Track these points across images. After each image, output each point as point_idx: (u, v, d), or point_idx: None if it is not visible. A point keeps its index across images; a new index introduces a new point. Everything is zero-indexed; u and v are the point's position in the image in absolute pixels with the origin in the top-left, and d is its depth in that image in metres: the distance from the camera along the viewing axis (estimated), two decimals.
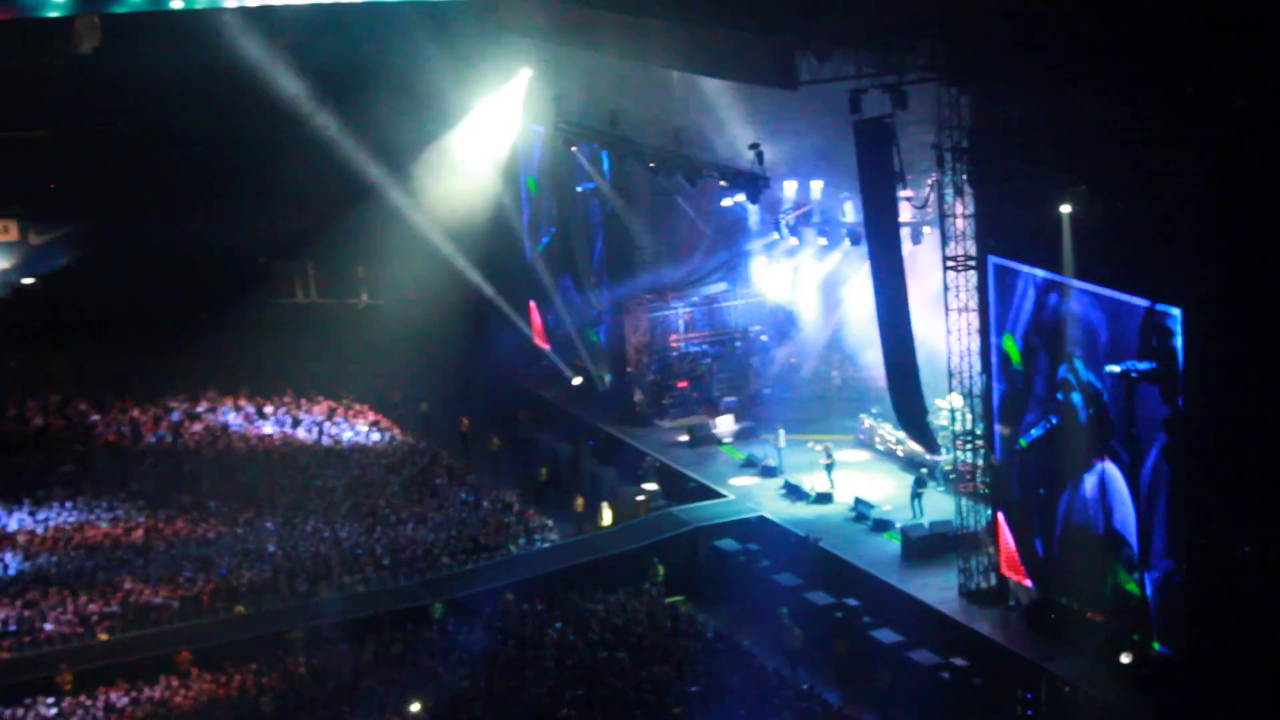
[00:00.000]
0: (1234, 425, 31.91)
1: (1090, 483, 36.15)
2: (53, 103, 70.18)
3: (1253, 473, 31.86)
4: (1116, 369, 33.37)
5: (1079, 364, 36.18)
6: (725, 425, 51.51)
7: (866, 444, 49.57)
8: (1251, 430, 31.75)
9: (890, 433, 47.88)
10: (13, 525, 49.23)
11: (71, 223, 73.77)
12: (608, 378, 56.68)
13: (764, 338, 54.43)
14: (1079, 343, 35.93)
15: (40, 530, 48.82)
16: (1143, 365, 32.97)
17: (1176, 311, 32.67)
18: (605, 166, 54.89)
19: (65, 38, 70.52)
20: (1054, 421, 37.05)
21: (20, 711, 38.33)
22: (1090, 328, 35.52)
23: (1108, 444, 35.28)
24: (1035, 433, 37.80)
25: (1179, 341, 32.52)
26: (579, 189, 56.44)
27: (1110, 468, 35.48)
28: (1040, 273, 36.84)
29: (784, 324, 53.68)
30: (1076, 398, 36.03)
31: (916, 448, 45.13)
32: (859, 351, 49.71)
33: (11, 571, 45.78)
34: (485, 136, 58.19)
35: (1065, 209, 34.85)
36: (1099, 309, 35.07)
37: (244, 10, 66.29)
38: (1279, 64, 30.09)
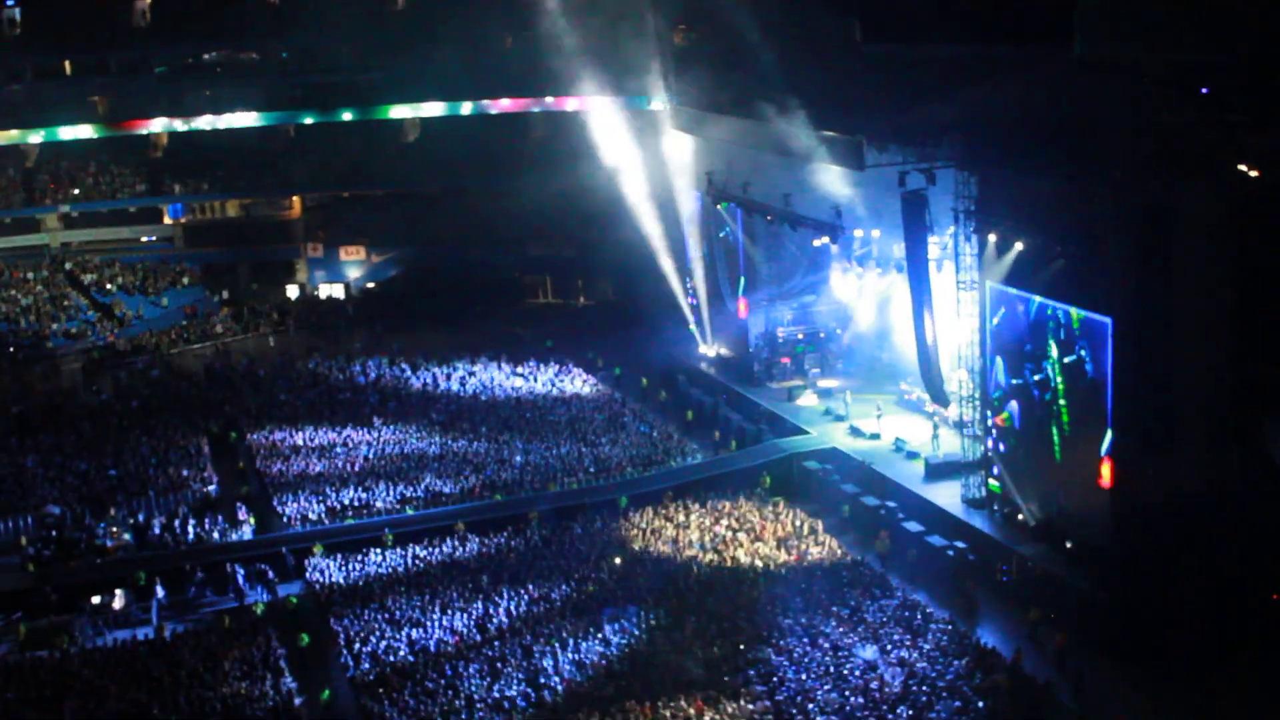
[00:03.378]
0: (1146, 389, 32.05)
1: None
2: (388, 172, 71.90)
3: (1160, 416, 32.01)
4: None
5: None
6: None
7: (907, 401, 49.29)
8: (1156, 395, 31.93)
9: (920, 393, 47.51)
10: (356, 438, 50.39)
11: (398, 248, 75.13)
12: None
13: (839, 331, 54.11)
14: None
15: (374, 442, 49.84)
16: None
17: (1108, 320, 32.59)
18: (739, 217, 54.95)
19: (397, 131, 72.34)
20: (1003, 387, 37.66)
21: (359, 557, 39.37)
22: (1027, 334, 36.45)
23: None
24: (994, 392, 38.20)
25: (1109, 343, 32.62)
26: (722, 233, 56.56)
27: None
28: (1007, 288, 36.97)
29: (852, 322, 53.41)
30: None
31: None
32: (899, 341, 49.26)
33: (356, 468, 46.89)
34: (662, 199, 58.29)
35: (1022, 247, 35.13)
36: (1051, 315, 35.26)
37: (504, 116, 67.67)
38: (1176, 159, 29.98)
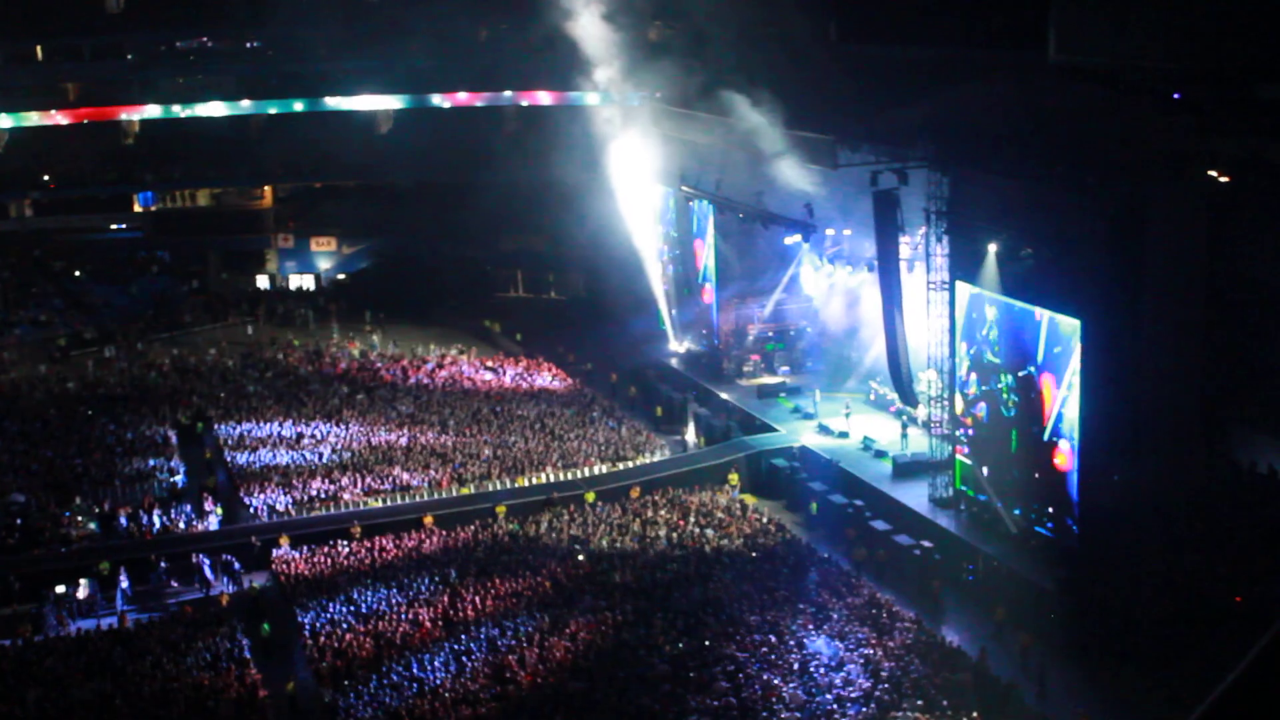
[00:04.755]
0: (1114, 391, 31.92)
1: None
2: (360, 164, 71.23)
3: (1129, 418, 31.89)
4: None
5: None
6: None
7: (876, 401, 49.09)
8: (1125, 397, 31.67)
9: (888, 393, 47.43)
10: (324, 430, 50.06)
11: (369, 240, 74.65)
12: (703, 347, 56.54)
13: (809, 329, 54.06)
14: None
15: (343, 434, 49.49)
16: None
17: (1077, 321, 32.57)
18: (712, 215, 54.71)
19: (369, 122, 71.78)
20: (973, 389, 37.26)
21: (326, 549, 39.10)
22: (1002, 337, 36.09)
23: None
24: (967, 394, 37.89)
25: (1077, 343, 32.55)
26: (693, 229, 56.36)
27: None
28: (978, 290, 36.83)
29: (821, 320, 53.35)
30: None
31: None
32: (868, 339, 49.12)
33: (324, 459, 46.52)
34: (633, 195, 57.98)
35: (994, 249, 34.92)
36: (1016, 320, 35.13)
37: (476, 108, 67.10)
38: (1146, 164, 29.96)
